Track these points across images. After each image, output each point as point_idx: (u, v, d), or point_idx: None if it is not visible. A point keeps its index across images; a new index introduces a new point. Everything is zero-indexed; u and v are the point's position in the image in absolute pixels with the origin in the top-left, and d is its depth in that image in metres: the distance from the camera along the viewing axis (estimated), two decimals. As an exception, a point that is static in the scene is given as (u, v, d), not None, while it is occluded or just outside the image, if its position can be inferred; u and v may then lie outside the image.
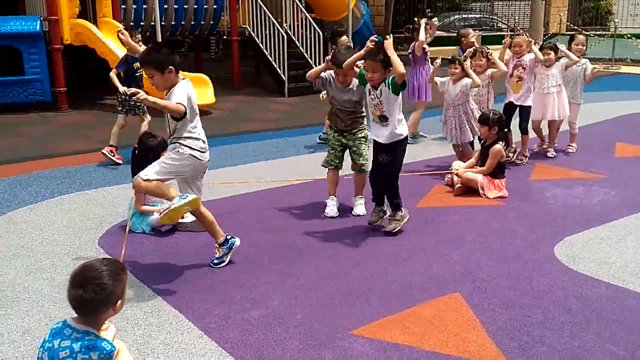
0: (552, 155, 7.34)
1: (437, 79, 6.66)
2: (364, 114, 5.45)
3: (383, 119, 4.81)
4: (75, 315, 2.52)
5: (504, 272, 4.24)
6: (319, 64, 12.39)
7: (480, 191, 5.86)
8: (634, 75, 15.16)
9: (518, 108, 7.07)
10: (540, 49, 7.03)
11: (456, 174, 6.06)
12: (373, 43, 4.73)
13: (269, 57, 12.23)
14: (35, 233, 4.99)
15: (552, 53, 6.98)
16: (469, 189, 5.94)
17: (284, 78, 11.96)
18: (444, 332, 3.48)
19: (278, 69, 12.05)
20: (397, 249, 4.66)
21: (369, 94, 4.85)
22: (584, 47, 7.43)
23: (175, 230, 5.05)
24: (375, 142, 4.92)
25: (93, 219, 5.31)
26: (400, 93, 4.74)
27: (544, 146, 7.47)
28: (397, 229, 4.93)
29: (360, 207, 5.46)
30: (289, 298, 3.88)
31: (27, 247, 4.71)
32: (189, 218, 5.09)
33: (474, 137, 6.61)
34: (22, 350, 3.30)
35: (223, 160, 7.31)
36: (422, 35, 7.76)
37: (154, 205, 5.07)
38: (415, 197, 5.86)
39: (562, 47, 7.24)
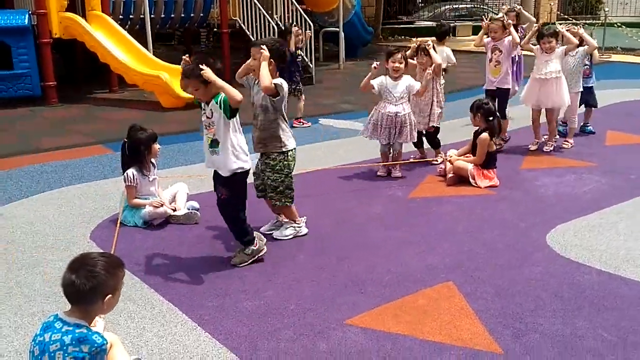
0: (548, 150, 7.08)
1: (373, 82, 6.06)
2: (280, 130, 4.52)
3: (214, 144, 4.06)
4: (68, 309, 2.52)
5: (496, 261, 4.26)
6: (310, 55, 12.43)
7: (471, 180, 5.86)
8: (625, 64, 15.20)
9: (497, 91, 7.12)
10: (541, 37, 6.86)
11: (449, 161, 6.07)
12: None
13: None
14: (27, 228, 4.96)
15: (554, 40, 6.83)
16: (461, 179, 5.95)
17: (275, 70, 11.92)
18: (437, 320, 3.49)
19: (269, 61, 12.00)
20: (390, 239, 4.67)
21: (201, 109, 4.14)
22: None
23: (167, 223, 5.04)
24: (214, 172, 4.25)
25: (84, 213, 5.29)
26: (236, 120, 4.05)
27: (543, 140, 7.21)
28: (245, 264, 4.21)
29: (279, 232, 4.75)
30: (283, 289, 3.89)
31: (18, 242, 4.69)
32: (181, 211, 5.08)
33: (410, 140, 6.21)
34: (16, 345, 3.29)
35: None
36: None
37: (145, 199, 5.06)
38: (407, 187, 5.88)
39: (582, 31, 7.19)
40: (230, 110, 3.95)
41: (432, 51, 6.46)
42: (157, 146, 5.14)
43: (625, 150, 7.16)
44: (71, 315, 2.49)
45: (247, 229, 4.26)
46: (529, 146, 7.19)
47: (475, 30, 22.33)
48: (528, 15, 7.67)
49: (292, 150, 4.61)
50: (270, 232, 4.77)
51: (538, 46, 7.01)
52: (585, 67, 7.44)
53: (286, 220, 4.78)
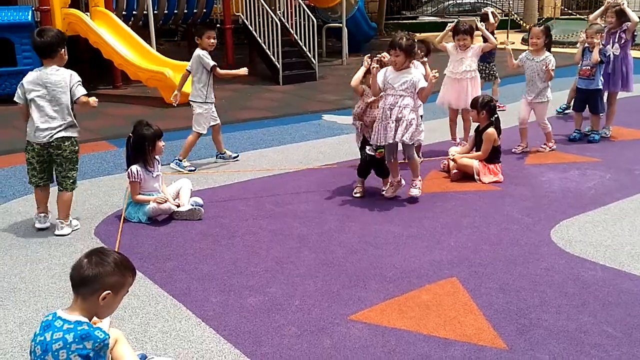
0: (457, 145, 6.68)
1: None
2: None
3: None
4: (67, 307, 2.52)
5: (500, 257, 4.25)
6: (313, 51, 12.41)
7: (476, 176, 5.86)
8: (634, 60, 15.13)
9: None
10: (456, 33, 6.55)
11: (452, 159, 6.06)
12: None
13: (262, 45, 12.17)
14: (31, 224, 4.97)
15: (469, 37, 6.57)
16: (465, 175, 5.94)
17: (278, 66, 11.91)
18: (442, 316, 3.49)
19: (272, 57, 12.00)
20: (394, 235, 4.67)
21: None
22: (540, 40, 6.64)
23: (171, 219, 5.04)
24: None
25: (88, 209, 5.30)
26: None
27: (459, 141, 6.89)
28: None
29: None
30: (287, 285, 3.89)
31: (23, 238, 4.70)
32: (185, 207, 5.09)
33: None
34: (20, 340, 3.30)
35: (218, 148, 7.30)
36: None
37: (149, 195, 5.06)
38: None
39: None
40: None
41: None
42: (161, 144, 5.13)
43: (629, 146, 7.14)
44: (71, 313, 2.48)
45: None
46: (450, 149, 6.51)
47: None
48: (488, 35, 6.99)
49: None
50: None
51: (452, 44, 6.73)
52: (586, 67, 7.07)
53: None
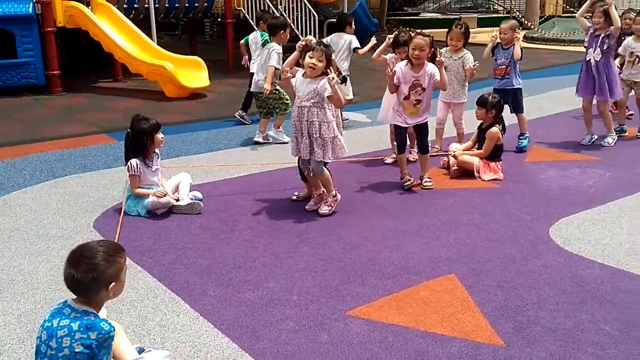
0: (389, 162, 6.36)
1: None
2: None
3: None
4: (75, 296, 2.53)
5: (498, 254, 4.25)
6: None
7: (476, 174, 5.86)
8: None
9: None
10: (397, 45, 6.04)
11: (453, 156, 6.06)
12: None
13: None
14: (30, 216, 4.97)
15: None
16: (465, 172, 5.94)
17: (279, 61, 11.89)
18: (440, 312, 3.49)
19: (273, 51, 11.96)
20: (392, 231, 4.67)
21: None
22: (460, 42, 6.33)
23: (170, 213, 5.04)
24: None
25: (88, 202, 5.30)
26: None
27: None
28: None
29: None
30: (285, 280, 3.89)
31: (22, 230, 4.70)
32: (184, 201, 5.09)
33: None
34: (18, 332, 3.30)
35: (219, 143, 7.29)
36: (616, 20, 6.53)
37: (149, 188, 5.06)
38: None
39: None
40: None
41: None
42: (160, 136, 5.12)
43: (629, 145, 7.14)
44: (79, 302, 2.51)
45: None
46: (385, 159, 6.41)
47: (480, 23, 22.29)
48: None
49: None
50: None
51: (391, 55, 6.23)
52: (501, 66, 6.65)
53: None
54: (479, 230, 4.67)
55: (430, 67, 5.46)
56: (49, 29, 9.94)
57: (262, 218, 4.95)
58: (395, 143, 6.14)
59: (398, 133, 5.74)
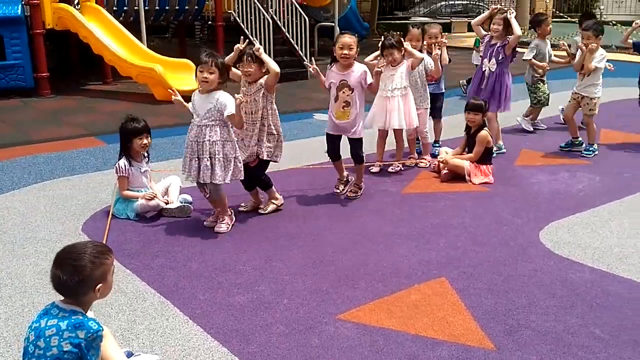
0: (394, 170, 6.20)
1: None
2: None
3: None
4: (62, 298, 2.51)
5: (489, 257, 4.26)
6: (305, 49, 12.39)
7: (467, 177, 5.87)
8: (620, 62, 15.21)
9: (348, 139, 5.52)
10: (383, 48, 5.85)
11: (443, 162, 6.06)
12: None
13: (254, 43, 12.12)
14: (18, 219, 4.93)
15: (396, 51, 5.81)
16: (455, 175, 5.95)
17: (269, 64, 11.87)
18: (430, 316, 3.49)
19: (263, 54, 11.96)
20: (383, 234, 4.66)
21: None
22: (419, 43, 6.26)
23: (160, 216, 5.01)
24: None
25: (76, 205, 5.26)
26: None
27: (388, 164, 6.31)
28: None
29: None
30: (276, 283, 3.87)
31: (10, 233, 4.65)
32: (174, 204, 5.06)
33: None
34: (6, 336, 3.27)
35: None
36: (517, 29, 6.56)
37: (138, 191, 5.03)
38: (400, 183, 5.87)
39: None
40: None
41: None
42: (144, 141, 5.01)
43: (618, 149, 7.17)
44: (67, 303, 2.49)
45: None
46: (371, 168, 6.14)
47: (471, 27, 22.35)
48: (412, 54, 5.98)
49: None
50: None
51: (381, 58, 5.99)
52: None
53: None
54: (469, 233, 4.67)
55: (358, 67, 5.20)
56: (38, 31, 9.87)
57: (252, 221, 4.93)
58: (379, 150, 6.29)
59: (329, 142, 5.51)
